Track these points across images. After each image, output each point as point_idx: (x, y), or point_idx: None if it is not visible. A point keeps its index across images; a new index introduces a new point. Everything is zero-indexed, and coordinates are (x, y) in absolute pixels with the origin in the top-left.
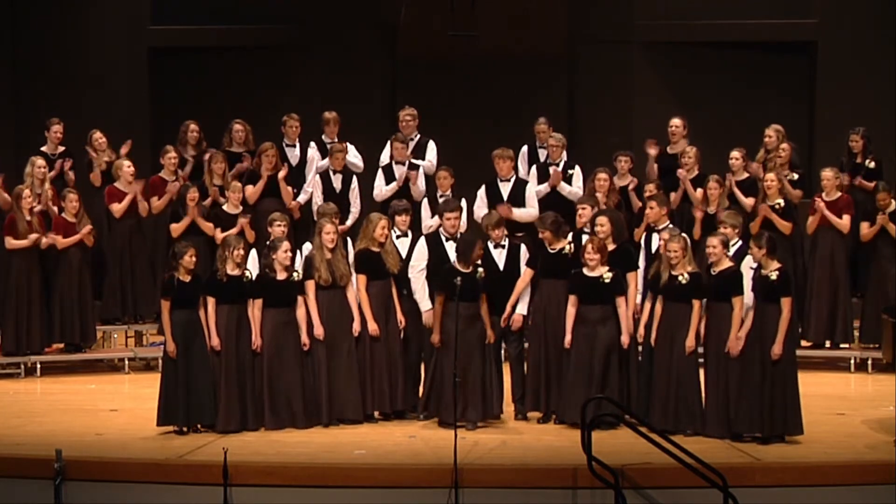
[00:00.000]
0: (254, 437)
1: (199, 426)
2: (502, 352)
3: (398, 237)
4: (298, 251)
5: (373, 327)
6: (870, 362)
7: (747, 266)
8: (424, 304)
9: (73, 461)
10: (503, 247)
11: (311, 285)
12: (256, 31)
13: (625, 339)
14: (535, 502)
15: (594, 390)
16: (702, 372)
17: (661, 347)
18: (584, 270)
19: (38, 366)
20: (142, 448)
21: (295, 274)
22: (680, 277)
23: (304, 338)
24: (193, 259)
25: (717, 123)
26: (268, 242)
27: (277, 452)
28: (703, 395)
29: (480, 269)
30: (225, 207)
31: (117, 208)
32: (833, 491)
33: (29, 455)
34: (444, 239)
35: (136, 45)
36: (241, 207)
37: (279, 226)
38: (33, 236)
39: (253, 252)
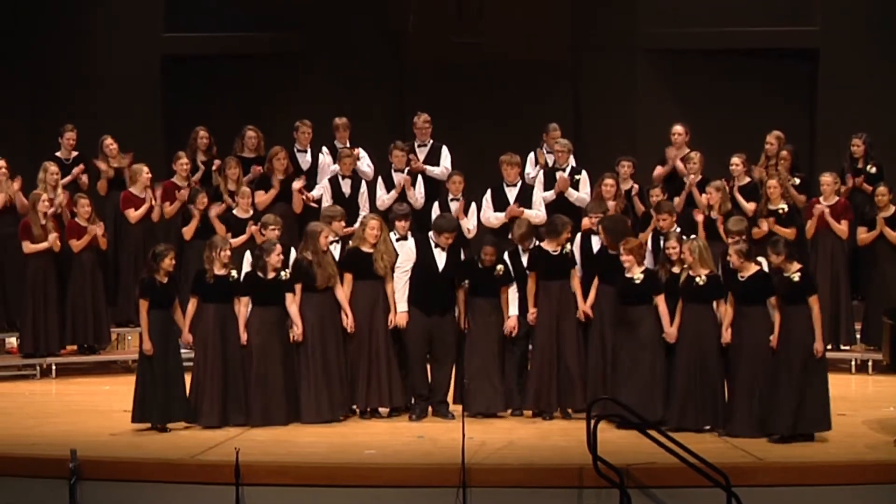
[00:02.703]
0: (265, 437)
1: (170, 424)
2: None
3: (398, 240)
4: (294, 249)
5: (348, 323)
6: (870, 364)
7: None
8: (401, 304)
9: (88, 461)
10: (529, 251)
11: (298, 288)
12: (267, 39)
13: (668, 334)
14: (542, 502)
15: (634, 388)
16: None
17: (682, 348)
18: (625, 273)
19: (54, 367)
20: (155, 448)
21: (282, 273)
22: (698, 279)
23: (297, 333)
24: (173, 262)
25: (720, 129)
26: (261, 244)
27: (288, 452)
28: (729, 394)
29: (500, 266)
30: (235, 212)
31: (134, 215)
32: (834, 490)
33: (44, 455)
34: (433, 245)
35: (150, 52)
36: (251, 212)
37: (272, 229)
38: (52, 237)
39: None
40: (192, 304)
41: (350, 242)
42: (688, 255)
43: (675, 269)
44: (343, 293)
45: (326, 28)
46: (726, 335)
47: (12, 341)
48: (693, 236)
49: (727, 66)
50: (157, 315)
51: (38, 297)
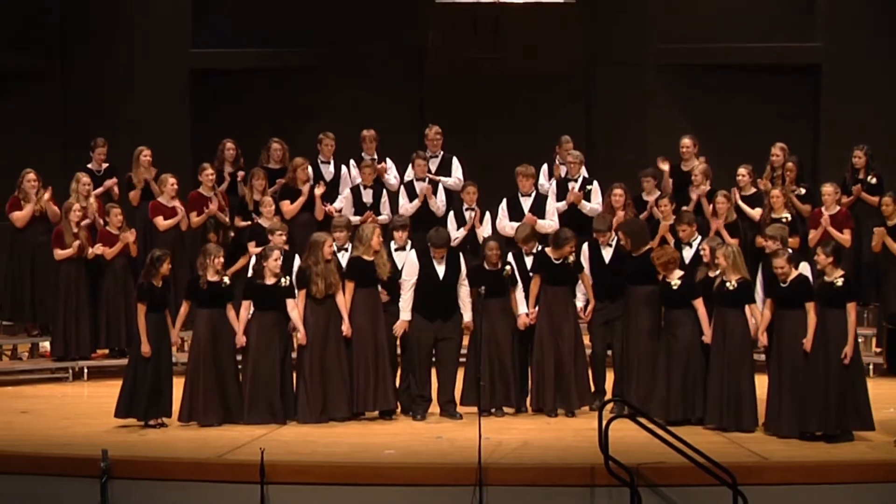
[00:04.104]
0: (289, 438)
1: (155, 420)
2: None
3: (396, 250)
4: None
5: (345, 327)
6: (871, 367)
7: (803, 272)
8: (405, 314)
9: (118, 460)
10: (534, 255)
11: (302, 295)
12: (291, 54)
13: (707, 336)
14: (555, 500)
15: (675, 389)
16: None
17: (714, 351)
18: (665, 279)
19: (86, 370)
20: (183, 448)
21: (283, 280)
22: (729, 284)
23: (300, 337)
24: (169, 267)
25: (727, 141)
26: (261, 251)
27: (312, 452)
28: (772, 396)
29: (507, 267)
30: (260, 221)
31: (162, 223)
32: (836, 489)
33: (76, 455)
34: (433, 255)
35: (178, 67)
36: (274, 221)
37: (279, 235)
38: (76, 243)
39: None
40: (183, 308)
41: (350, 252)
42: (722, 261)
43: (712, 274)
44: (343, 300)
45: (349, 44)
46: (762, 339)
47: (46, 345)
48: (727, 242)
49: (734, 81)
50: (152, 318)
51: (70, 303)
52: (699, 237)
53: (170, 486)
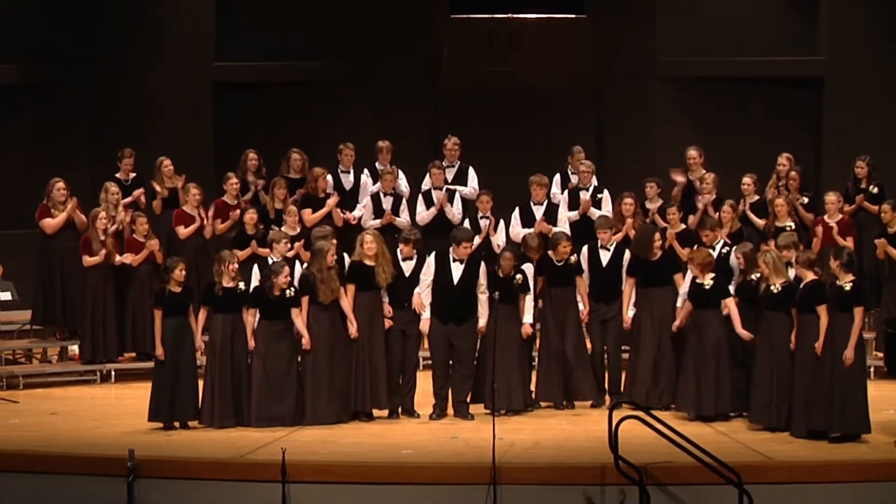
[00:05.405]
0: (309, 438)
1: (180, 423)
2: None
3: (403, 260)
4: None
5: (351, 330)
6: (872, 370)
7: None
8: (426, 312)
9: (145, 460)
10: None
11: (305, 301)
12: (311, 68)
13: (741, 334)
14: (567, 498)
15: (705, 386)
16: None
17: (761, 352)
18: (696, 279)
19: (113, 373)
20: (207, 448)
21: (287, 292)
22: (773, 287)
23: (305, 343)
24: (183, 273)
25: (733, 151)
26: (272, 266)
27: (331, 452)
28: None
29: (518, 276)
30: (283, 229)
31: (183, 232)
32: (838, 487)
33: (104, 454)
34: (451, 259)
35: (202, 80)
36: (297, 229)
37: (284, 244)
38: (103, 251)
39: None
40: (202, 314)
41: (352, 257)
42: (764, 268)
43: (754, 277)
44: (347, 303)
45: (366, 57)
46: (794, 341)
47: (74, 349)
48: (766, 249)
49: (739, 93)
50: (170, 323)
51: (98, 308)
52: (722, 241)
53: (194, 486)
